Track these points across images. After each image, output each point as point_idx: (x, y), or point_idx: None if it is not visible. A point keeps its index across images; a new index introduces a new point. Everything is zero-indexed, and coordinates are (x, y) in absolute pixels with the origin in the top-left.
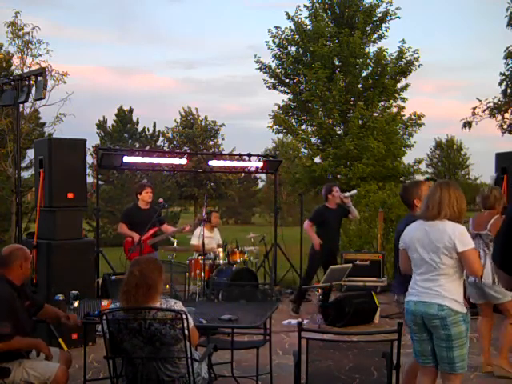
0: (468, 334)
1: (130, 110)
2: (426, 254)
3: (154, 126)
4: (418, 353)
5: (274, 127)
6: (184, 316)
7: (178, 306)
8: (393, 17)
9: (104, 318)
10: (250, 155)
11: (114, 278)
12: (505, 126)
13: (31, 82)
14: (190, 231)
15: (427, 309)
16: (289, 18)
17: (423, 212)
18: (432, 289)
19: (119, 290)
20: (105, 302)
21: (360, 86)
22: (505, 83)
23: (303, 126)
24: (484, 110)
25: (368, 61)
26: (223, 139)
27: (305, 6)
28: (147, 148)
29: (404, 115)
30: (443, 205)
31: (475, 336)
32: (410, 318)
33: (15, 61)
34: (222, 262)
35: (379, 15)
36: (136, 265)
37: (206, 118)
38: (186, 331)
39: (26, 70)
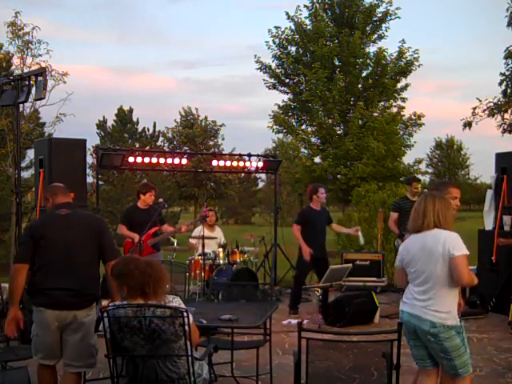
0: (466, 343)
1: (130, 110)
2: (422, 265)
3: (154, 126)
4: (416, 356)
5: (274, 127)
6: (183, 310)
7: (177, 300)
8: (393, 17)
9: (105, 315)
10: (250, 155)
11: None
12: (505, 126)
13: (31, 82)
14: (186, 231)
15: (420, 324)
16: (289, 18)
17: (411, 225)
18: (425, 301)
19: (129, 287)
20: (105, 302)
21: (360, 86)
22: (505, 83)
23: (303, 126)
24: (484, 110)
25: (368, 61)
26: (223, 139)
27: (305, 5)
28: (147, 148)
29: (404, 115)
30: (427, 214)
31: (475, 336)
32: (404, 328)
33: (15, 61)
34: (221, 262)
35: (379, 15)
36: (141, 263)
37: (205, 118)
38: (187, 327)
39: (26, 70)
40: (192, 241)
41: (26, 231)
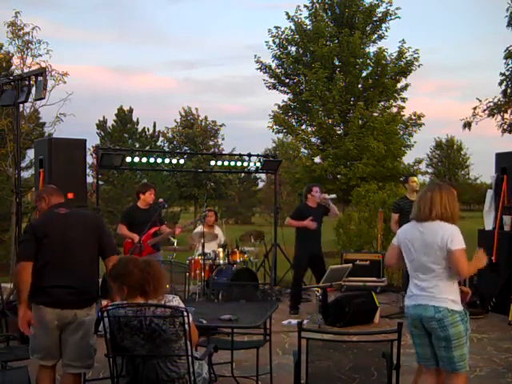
0: (468, 334)
1: (130, 110)
2: (420, 256)
3: (154, 126)
4: (421, 355)
5: (274, 127)
6: (183, 310)
7: (176, 299)
8: (393, 17)
9: (105, 315)
10: (250, 155)
11: None
12: (505, 126)
13: (31, 82)
14: (180, 233)
15: (424, 312)
16: (289, 18)
17: (416, 213)
18: (428, 290)
19: (129, 287)
20: (105, 302)
21: (360, 86)
22: (505, 83)
23: (303, 126)
24: (484, 110)
25: (368, 61)
26: (223, 139)
27: (305, 6)
28: (147, 148)
29: (404, 115)
30: (435, 205)
31: (475, 336)
32: (410, 322)
33: (15, 61)
34: (221, 262)
35: (379, 15)
36: (140, 263)
37: (205, 118)
38: (187, 326)
39: (26, 70)
40: (192, 240)
41: (28, 229)
